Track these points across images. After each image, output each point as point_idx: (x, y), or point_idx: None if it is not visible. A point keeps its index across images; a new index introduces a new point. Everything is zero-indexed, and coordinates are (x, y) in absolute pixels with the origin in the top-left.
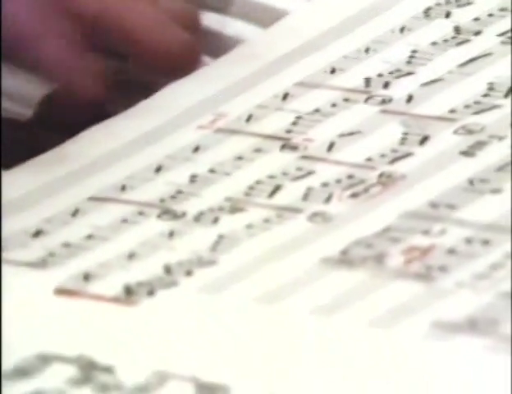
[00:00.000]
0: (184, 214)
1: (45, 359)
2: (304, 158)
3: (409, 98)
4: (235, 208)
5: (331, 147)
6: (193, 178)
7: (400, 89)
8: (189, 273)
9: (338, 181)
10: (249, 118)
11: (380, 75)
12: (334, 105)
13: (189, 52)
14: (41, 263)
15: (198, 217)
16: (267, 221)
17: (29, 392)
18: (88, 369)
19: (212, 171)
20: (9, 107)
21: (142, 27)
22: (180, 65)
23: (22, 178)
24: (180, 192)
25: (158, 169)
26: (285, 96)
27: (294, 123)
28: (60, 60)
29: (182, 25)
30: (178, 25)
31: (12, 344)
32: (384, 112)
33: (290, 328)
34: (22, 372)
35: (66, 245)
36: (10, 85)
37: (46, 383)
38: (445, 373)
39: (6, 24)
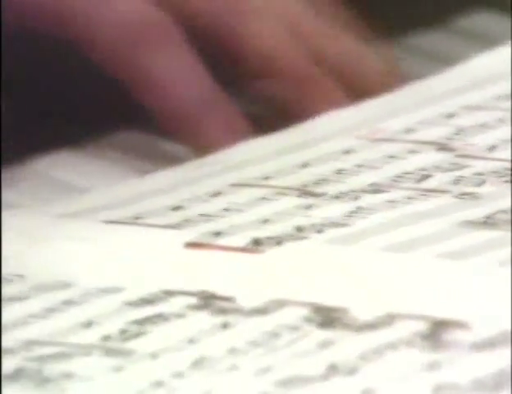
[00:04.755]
0: (323, 194)
1: (170, 294)
2: None
3: None
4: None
5: None
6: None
7: None
8: (320, 231)
9: None
10: None
11: None
12: None
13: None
14: (175, 226)
15: (338, 196)
16: (410, 198)
17: (151, 316)
18: (208, 299)
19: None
20: None
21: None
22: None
23: None
24: (324, 180)
25: None
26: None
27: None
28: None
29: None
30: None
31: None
32: None
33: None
34: (146, 301)
35: (203, 215)
36: None
37: (167, 309)
38: None
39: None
